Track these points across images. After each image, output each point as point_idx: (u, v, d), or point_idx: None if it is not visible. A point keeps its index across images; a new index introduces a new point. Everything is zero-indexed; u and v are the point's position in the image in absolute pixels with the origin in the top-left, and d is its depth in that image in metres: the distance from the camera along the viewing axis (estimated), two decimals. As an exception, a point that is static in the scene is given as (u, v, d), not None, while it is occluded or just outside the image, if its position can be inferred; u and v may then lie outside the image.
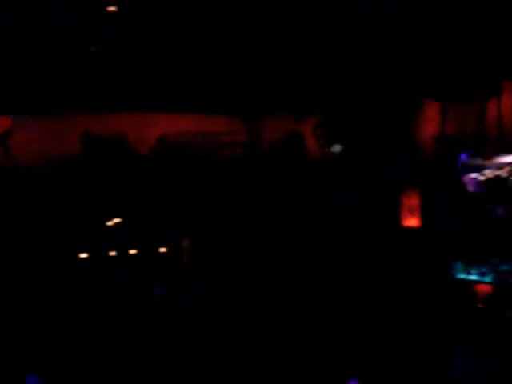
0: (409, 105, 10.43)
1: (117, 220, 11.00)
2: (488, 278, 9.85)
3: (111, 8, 7.80)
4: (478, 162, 9.65)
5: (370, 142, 10.57)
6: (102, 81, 10.26)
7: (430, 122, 10.99)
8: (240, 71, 10.23)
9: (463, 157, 9.26)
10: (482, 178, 9.80)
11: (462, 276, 10.24)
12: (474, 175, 9.96)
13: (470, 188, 9.64)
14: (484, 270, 9.90)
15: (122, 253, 10.93)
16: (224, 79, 10.28)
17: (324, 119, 10.72)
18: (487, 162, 9.48)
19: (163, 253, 11.10)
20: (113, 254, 10.95)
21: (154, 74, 10.33)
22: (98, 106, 10.55)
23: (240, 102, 10.28)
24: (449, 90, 9.23)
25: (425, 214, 10.80)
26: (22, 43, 9.57)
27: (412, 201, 11.16)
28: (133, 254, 11.00)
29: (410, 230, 11.22)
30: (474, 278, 10.02)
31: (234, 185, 10.87)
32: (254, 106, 10.47)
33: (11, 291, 10.08)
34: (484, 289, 10.03)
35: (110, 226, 10.99)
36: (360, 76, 10.02)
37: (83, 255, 10.83)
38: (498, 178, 9.54)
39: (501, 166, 9.49)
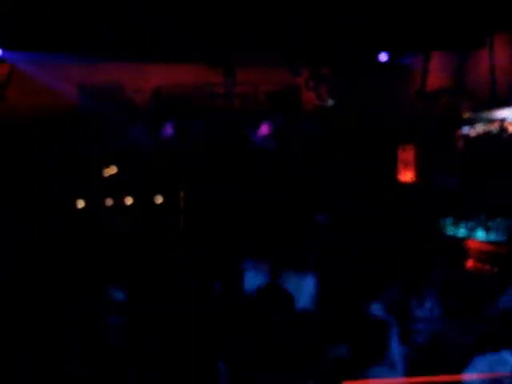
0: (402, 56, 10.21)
1: (113, 170, 11.23)
2: (478, 234, 9.78)
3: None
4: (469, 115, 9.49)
5: (362, 97, 10.44)
6: (98, 30, 10.30)
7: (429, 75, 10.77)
8: (235, 22, 10.14)
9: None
10: (472, 132, 9.65)
11: (452, 232, 10.19)
12: (465, 129, 9.82)
13: None
14: (472, 225, 9.82)
15: (119, 201, 11.20)
16: (219, 30, 10.20)
17: (315, 72, 10.62)
18: (478, 116, 9.30)
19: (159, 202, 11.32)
20: (110, 202, 11.25)
21: (150, 23, 10.31)
22: (94, 55, 10.61)
23: (233, 52, 10.18)
24: (431, 39, 8.93)
25: (419, 170, 10.71)
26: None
27: (407, 155, 11.07)
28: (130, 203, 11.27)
29: (405, 184, 11.17)
30: (462, 233, 9.96)
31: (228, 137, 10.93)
32: (249, 56, 10.38)
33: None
34: (474, 245, 9.97)
35: (107, 176, 11.23)
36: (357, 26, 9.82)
37: (81, 204, 11.14)
38: (488, 133, 9.38)
39: (491, 121, 9.30)
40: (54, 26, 10.17)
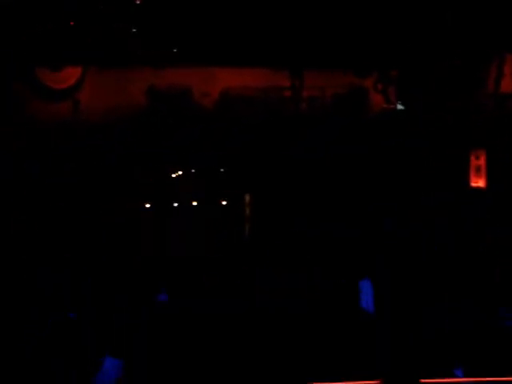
0: (478, 58, 9.89)
1: (180, 172, 11.32)
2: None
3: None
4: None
5: (433, 99, 10.16)
6: (167, 35, 10.42)
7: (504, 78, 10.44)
8: (303, 24, 10.06)
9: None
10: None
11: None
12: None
13: None
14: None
15: (185, 204, 11.28)
16: (286, 33, 10.15)
17: (384, 74, 10.43)
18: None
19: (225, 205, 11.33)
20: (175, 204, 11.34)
21: (218, 27, 10.35)
22: (163, 59, 10.72)
23: (300, 54, 10.08)
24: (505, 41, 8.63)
25: (491, 175, 10.37)
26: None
27: (479, 160, 10.74)
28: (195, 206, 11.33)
29: (477, 190, 10.82)
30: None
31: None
32: (316, 58, 10.27)
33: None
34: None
35: (174, 178, 11.33)
36: (428, 28, 9.59)
37: (147, 205, 11.25)
38: None
39: None
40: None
